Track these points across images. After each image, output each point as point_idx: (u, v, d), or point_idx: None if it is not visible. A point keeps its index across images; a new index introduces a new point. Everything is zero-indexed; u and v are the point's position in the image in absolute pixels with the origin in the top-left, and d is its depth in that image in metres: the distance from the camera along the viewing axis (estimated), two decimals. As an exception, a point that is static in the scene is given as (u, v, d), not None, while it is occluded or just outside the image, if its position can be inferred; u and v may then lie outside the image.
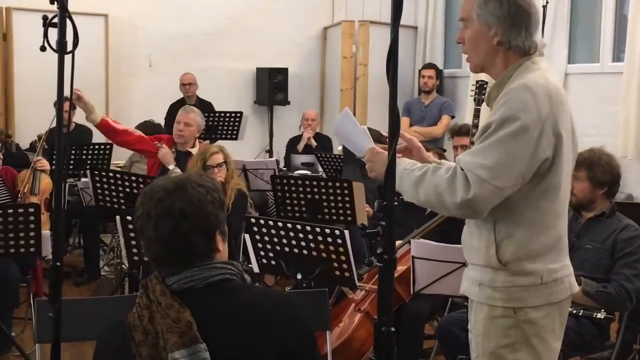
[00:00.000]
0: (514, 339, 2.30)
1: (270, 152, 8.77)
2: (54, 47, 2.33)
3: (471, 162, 2.19)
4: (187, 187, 1.88)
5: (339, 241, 3.48)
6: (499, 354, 2.32)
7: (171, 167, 5.29)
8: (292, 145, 8.08)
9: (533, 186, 2.24)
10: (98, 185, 5.09)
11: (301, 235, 3.55)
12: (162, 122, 7.32)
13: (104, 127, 5.37)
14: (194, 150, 5.50)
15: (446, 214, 2.40)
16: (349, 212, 4.82)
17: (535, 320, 2.29)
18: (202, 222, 1.87)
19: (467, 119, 7.16)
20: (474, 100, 4.15)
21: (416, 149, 2.56)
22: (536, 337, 2.30)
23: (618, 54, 6.80)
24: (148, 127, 6.98)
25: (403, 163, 2.36)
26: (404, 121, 7.62)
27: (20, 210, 4.03)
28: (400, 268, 3.80)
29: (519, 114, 2.17)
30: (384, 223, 1.89)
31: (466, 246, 2.43)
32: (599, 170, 3.56)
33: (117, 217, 4.11)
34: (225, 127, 7.00)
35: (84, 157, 6.31)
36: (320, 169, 6.82)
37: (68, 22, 2.32)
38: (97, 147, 6.46)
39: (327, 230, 3.50)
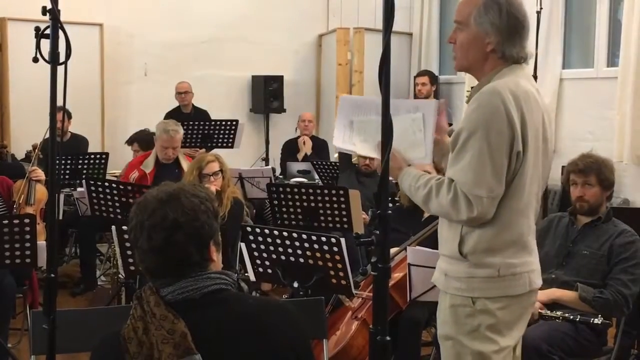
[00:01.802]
0: (471, 328, 2.43)
1: (266, 160, 8.77)
2: (47, 58, 2.33)
3: (466, 183, 2.33)
4: (181, 197, 1.88)
5: (335, 249, 3.47)
6: (458, 340, 2.46)
7: None
8: (288, 148, 8.06)
9: None
10: (94, 195, 5.09)
11: (297, 243, 3.55)
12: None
13: None
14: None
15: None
16: (345, 219, 4.82)
17: (493, 311, 2.41)
18: (196, 232, 1.86)
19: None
20: (469, 106, 4.15)
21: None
22: (493, 328, 2.42)
23: (612, 59, 6.80)
24: (143, 136, 6.98)
25: (407, 178, 2.50)
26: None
27: (16, 221, 4.01)
28: (397, 275, 3.80)
29: (491, 119, 2.31)
30: (378, 232, 1.89)
31: (439, 237, 2.58)
32: (607, 171, 3.61)
33: (113, 227, 4.10)
34: (221, 136, 7.00)
35: (79, 166, 6.30)
36: (317, 177, 6.82)
37: (60, 32, 2.31)
38: (92, 156, 6.46)
39: (324, 238, 3.50)
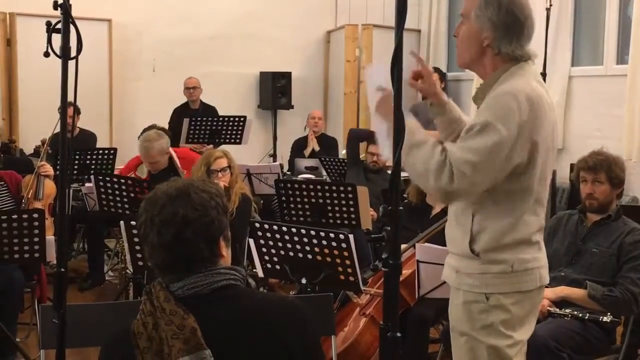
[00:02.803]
0: (485, 323, 2.44)
1: (274, 156, 8.77)
2: (58, 52, 2.33)
3: (459, 158, 2.32)
4: (191, 193, 1.87)
5: (344, 245, 3.47)
6: (472, 336, 2.47)
7: None
8: (297, 146, 8.07)
9: (509, 186, 2.39)
10: (102, 190, 5.10)
11: (306, 239, 3.55)
12: (166, 127, 7.32)
13: None
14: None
15: (422, 188, 2.58)
16: (353, 216, 4.81)
17: (507, 307, 2.43)
18: (205, 227, 1.86)
19: (471, 122, 7.15)
20: (478, 103, 4.14)
21: (427, 75, 2.61)
22: (506, 323, 2.43)
23: (622, 57, 6.77)
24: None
25: (411, 123, 2.43)
26: (409, 124, 7.61)
27: (25, 216, 4.02)
28: (405, 272, 3.80)
29: (502, 120, 2.30)
30: (389, 228, 1.88)
31: (448, 236, 2.59)
32: (617, 169, 3.59)
33: (122, 222, 4.11)
34: (229, 132, 7.00)
35: (88, 162, 6.31)
36: (324, 173, 6.81)
37: (72, 27, 2.31)
38: (101, 152, 6.47)
39: (332, 235, 3.49)
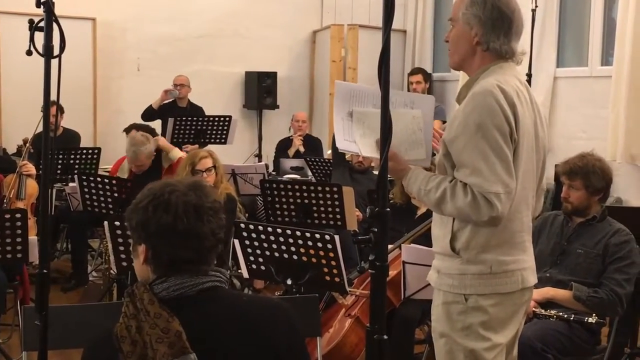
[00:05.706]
0: (463, 324, 2.44)
1: (259, 156, 8.74)
2: (41, 51, 2.30)
3: (481, 185, 2.31)
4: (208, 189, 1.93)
5: (329, 246, 3.46)
6: (451, 337, 2.47)
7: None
8: (282, 147, 8.05)
9: None
10: (86, 190, 5.06)
11: (291, 240, 3.53)
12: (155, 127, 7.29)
13: None
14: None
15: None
16: (338, 216, 4.80)
17: (485, 308, 2.42)
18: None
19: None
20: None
21: None
22: (485, 324, 2.43)
23: (607, 58, 6.80)
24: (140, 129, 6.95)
25: (416, 181, 2.46)
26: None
27: (7, 216, 3.99)
28: (391, 273, 3.78)
29: (488, 117, 2.31)
30: (376, 230, 1.87)
31: (432, 234, 2.59)
32: (594, 178, 3.56)
33: (105, 222, 4.07)
34: (214, 131, 6.97)
35: (71, 161, 6.27)
36: (310, 173, 6.80)
37: (55, 26, 2.29)
38: (84, 151, 6.43)
39: (317, 235, 3.48)
